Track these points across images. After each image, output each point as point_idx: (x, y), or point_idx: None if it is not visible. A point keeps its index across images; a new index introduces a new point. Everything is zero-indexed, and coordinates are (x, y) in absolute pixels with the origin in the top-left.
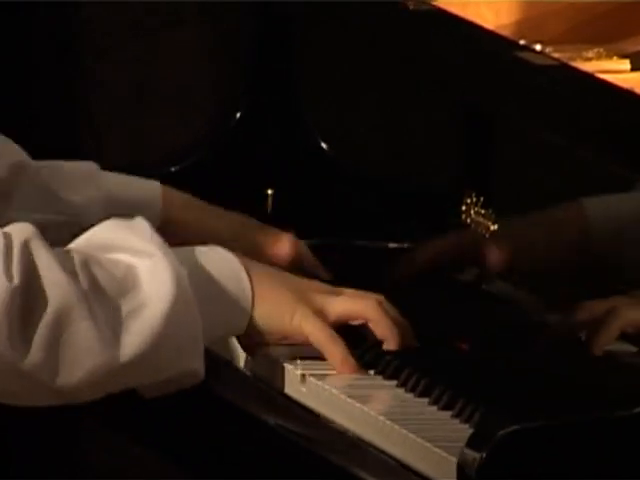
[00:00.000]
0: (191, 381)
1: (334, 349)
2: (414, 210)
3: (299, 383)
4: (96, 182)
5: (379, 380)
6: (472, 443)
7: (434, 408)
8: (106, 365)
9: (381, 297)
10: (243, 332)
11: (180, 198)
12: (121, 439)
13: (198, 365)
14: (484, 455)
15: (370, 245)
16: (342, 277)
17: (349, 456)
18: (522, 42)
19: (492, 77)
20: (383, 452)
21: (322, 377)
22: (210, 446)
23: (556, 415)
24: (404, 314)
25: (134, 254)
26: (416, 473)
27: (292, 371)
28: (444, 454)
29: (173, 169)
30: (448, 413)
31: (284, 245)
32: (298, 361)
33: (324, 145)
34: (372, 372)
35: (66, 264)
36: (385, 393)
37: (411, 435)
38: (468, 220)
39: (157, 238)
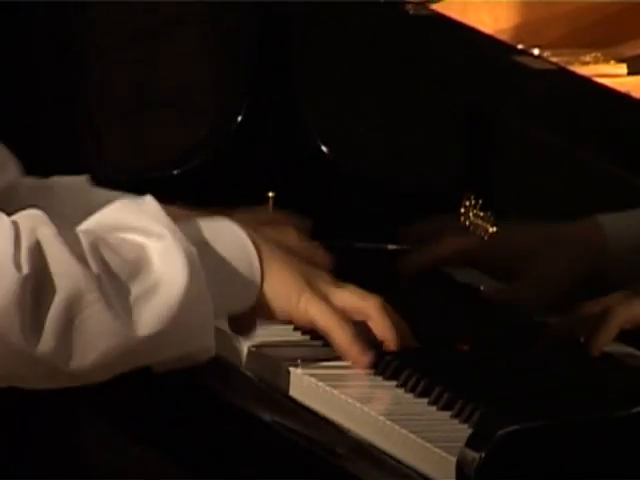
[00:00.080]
0: (203, 357)
1: (341, 333)
2: (414, 212)
3: (299, 383)
4: (85, 200)
5: (379, 380)
6: (471, 443)
7: (433, 408)
8: (120, 346)
9: (381, 299)
10: (249, 308)
11: (167, 210)
12: (121, 439)
13: (209, 341)
14: (483, 455)
15: (370, 247)
16: (342, 278)
17: (349, 456)
18: (520, 46)
19: (491, 81)
20: (383, 452)
21: (322, 377)
22: (210, 446)
23: (555, 415)
24: (404, 315)
25: (144, 234)
26: (416, 473)
27: (293, 371)
28: (444, 454)
29: (175, 172)
30: (447, 413)
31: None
32: (299, 362)
33: (324, 148)
34: (372, 373)
35: (75, 248)
36: (385, 393)
37: (411, 435)
38: (467, 222)
39: (166, 218)
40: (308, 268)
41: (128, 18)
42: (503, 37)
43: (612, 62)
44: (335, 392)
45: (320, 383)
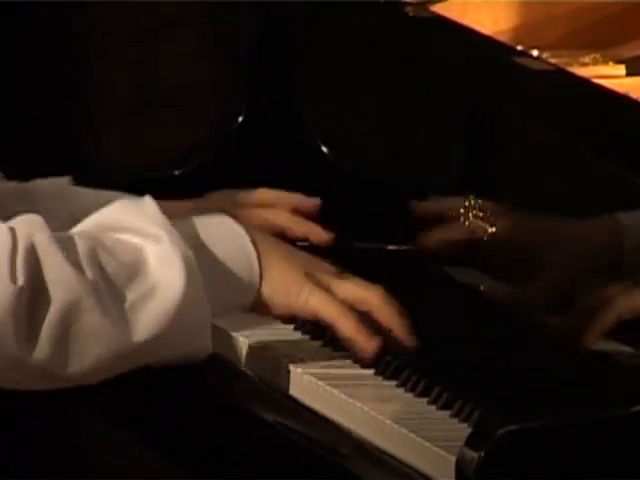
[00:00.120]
0: (200, 356)
1: (346, 321)
2: (413, 212)
3: (300, 383)
4: (66, 201)
5: (379, 380)
6: (470, 442)
7: (433, 407)
8: (117, 351)
9: (383, 290)
10: (249, 307)
11: (166, 207)
12: (121, 438)
13: (207, 342)
14: (482, 454)
15: (370, 247)
16: None
17: (349, 455)
18: (519, 48)
19: (490, 82)
20: (383, 451)
21: (323, 377)
22: (210, 446)
23: (554, 415)
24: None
25: (141, 236)
26: (416, 472)
27: (293, 371)
28: (443, 453)
29: (176, 172)
30: (447, 412)
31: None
32: (299, 361)
33: (324, 148)
34: (372, 372)
35: (71, 255)
36: (385, 393)
37: (410, 434)
38: (467, 222)
39: (164, 220)
40: (308, 259)
41: (128, 18)
42: (502, 38)
43: (611, 63)
44: (335, 391)
45: (320, 382)
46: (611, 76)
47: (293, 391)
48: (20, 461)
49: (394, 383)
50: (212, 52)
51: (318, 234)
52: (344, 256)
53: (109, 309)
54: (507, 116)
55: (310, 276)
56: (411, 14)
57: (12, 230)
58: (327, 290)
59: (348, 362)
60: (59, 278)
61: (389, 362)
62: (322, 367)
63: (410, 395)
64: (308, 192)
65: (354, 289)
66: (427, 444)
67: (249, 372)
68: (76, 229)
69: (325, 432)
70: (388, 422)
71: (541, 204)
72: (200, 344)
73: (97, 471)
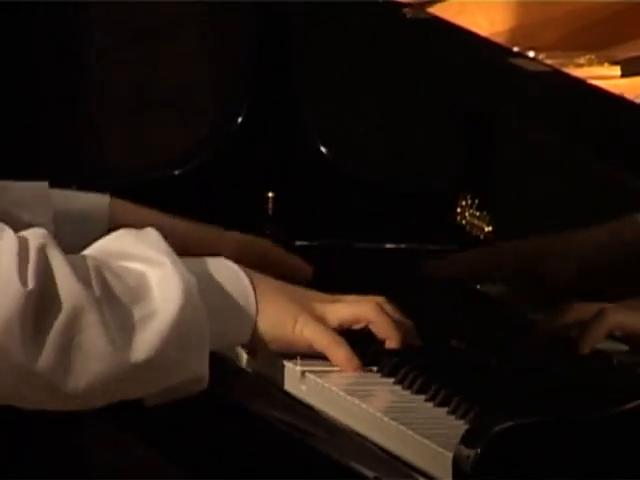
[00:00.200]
0: (195, 388)
1: (338, 351)
2: (411, 213)
3: (299, 381)
4: (46, 201)
5: (377, 378)
6: (467, 439)
7: (430, 405)
8: (115, 370)
9: (382, 298)
10: (247, 341)
11: (128, 209)
12: (124, 439)
13: (204, 371)
14: (479, 451)
15: (368, 246)
16: (342, 278)
17: (347, 452)
18: (516, 49)
19: (486, 83)
20: (381, 448)
21: (321, 374)
22: (212, 445)
23: (550, 412)
24: (402, 313)
25: (145, 263)
26: (413, 468)
27: (292, 369)
28: (440, 450)
29: (176, 172)
30: (444, 410)
31: (228, 245)
32: (298, 359)
33: (323, 149)
34: (370, 370)
35: (80, 271)
36: (383, 390)
37: (408, 431)
38: (463, 222)
39: (167, 247)
40: (301, 291)
41: (128, 18)
42: (499, 40)
43: (606, 64)
44: (334, 389)
45: (319, 380)
46: (606, 77)
47: (291, 389)
48: (23, 461)
49: (392, 380)
50: (212, 52)
51: (299, 265)
52: (344, 256)
53: (110, 327)
54: (504, 116)
55: (305, 306)
56: (409, 16)
57: (23, 239)
58: (322, 319)
59: None
60: (68, 288)
61: (387, 360)
62: (320, 365)
63: (407, 392)
64: (308, 192)
65: (347, 311)
66: (425, 441)
67: (249, 370)
68: (83, 253)
69: (324, 429)
70: (386, 419)
71: (538, 204)
72: (197, 370)
73: (100, 471)
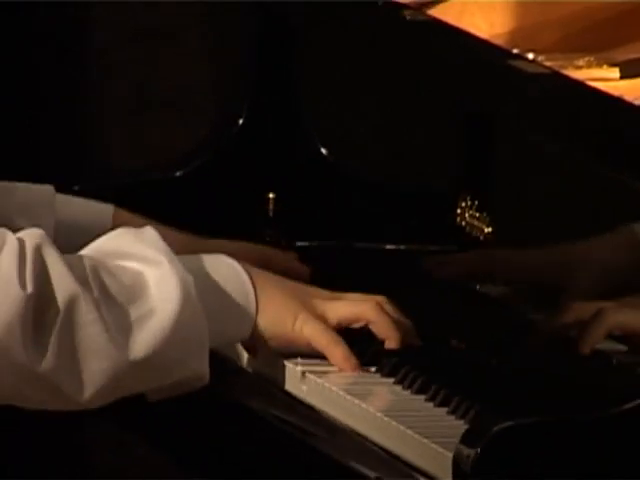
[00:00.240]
0: (196, 385)
1: (335, 350)
2: (411, 213)
3: (299, 381)
4: (49, 207)
5: (377, 378)
6: (467, 439)
7: (430, 405)
8: (115, 368)
9: (382, 298)
10: (247, 339)
11: (131, 219)
12: (125, 439)
13: (204, 369)
14: (479, 451)
15: (368, 247)
16: (342, 279)
17: (348, 452)
18: (515, 51)
19: (486, 84)
20: (381, 448)
21: (322, 374)
22: (212, 445)
23: (550, 412)
24: (402, 313)
25: (142, 262)
26: (413, 468)
27: (292, 369)
28: (440, 449)
29: (177, 173)
30: (444, 410)
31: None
32: (298, 359)
33: (324, 150)
34: (370, 370)
35: (77, 270)
36: (383, 390)
37: (408, 431)
38: (463, 223)
39: (164, 246)
40: (302, 288)
41: (128, 18)
42: (498, 42)
43: (605, 66)
44: (334, 389)
45: (319, 380)
46: (605, 79)
47: (292, 388)
48: (24, 461)
49: (392, 380)
50: (212, 52)
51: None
52: (344, 256)
53: (109, 326)
54: (503, 117)
55: (305, 304)
56: (408, 18)
57: (21, 240)
58: (322, 316)
59: None
60: (64, 289)
61: (387, 360)
62: (320, 365)
63: (408, 392)
64: (308, 193)
65: (347, 309)
66: (424, 441)
67: (250, 370)
68: (78, 253)
69: (325, 428)
70: (386, 419)
71: (537, 205)
72: (197, 367)
73: (100, 471)
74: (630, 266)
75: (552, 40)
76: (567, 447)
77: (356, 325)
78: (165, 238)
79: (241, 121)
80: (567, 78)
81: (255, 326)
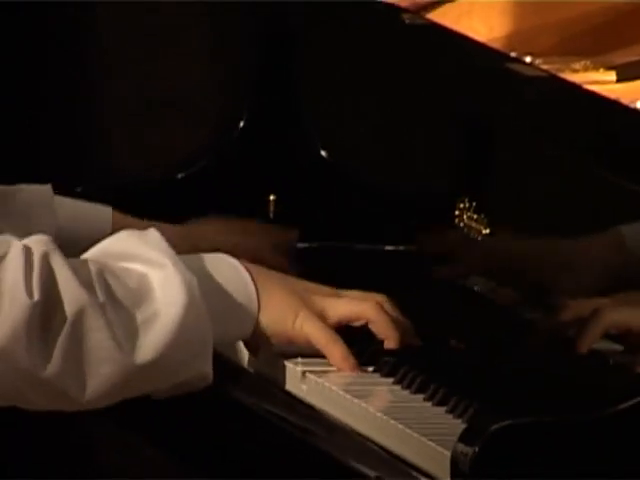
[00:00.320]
0: (200, 384)
1: (334, 349)
2: (410, 215)
3: (300, 380)
4: (49, 212)
5: (376, 378)
6: (465, 438)
7: (429, 404)
8: (122, 372)
9: (382, 297)
10: (249, 336)
11: (131, 222)
12: (128, 439)
13: (208, 368)
14: (476, 449)
15: (368, 248)
16: (342, 279)
17: (348, 451)
18: (513, 54)
19: (484, 87)
20: (381, 447)
21: (322, 374)
22: (213, 444)
23: (548, 411)
24: (401, 313)
25: (147, 264)
26: (412, 467)
27: (293, 369)
28: (439, 448)
29: (179, 176)
30: (442, 409)
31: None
32: (299, 359)
33: (324, 152)
34: (370, 370)
35: (82, 276)
36: (382, 390)
37: (407, 430)
38: (461, 224)
39: (168, 248)
40: (302, 284)
41: (128, 18)
42: (496, 45)
43: (601, 69)
44: (334, 388)
45: (319, 380)
46: (602, 82)
47: (292, 388)
48: (29, 461)
49: (391, 380)
50: (212, 52)
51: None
52: (345, 258)
53: (115, 331)
54: (501, 120)
55: (305, 300)
56: (408, 22)
57: (27, 247)
58: (322, 314)
59: None
60: (71, 295)
61: (386, 360)
62: (320, 365)
63: (407, 392)
64: (309, 195)
65: (347, 307)
66: (423, 439)
67: (251, 370)
68: (83, 257)
69: (325, 428)
70: (385, 418)
71: (534, 207)
72: (200, 369)
73: (103, 471)
74: (628, 266)
75: (549, 44)
76: (564, 446)
77: (356, 324)
78: (163, 233)
79: (242, 124)
80: (564, 81)
81: (257, 325)
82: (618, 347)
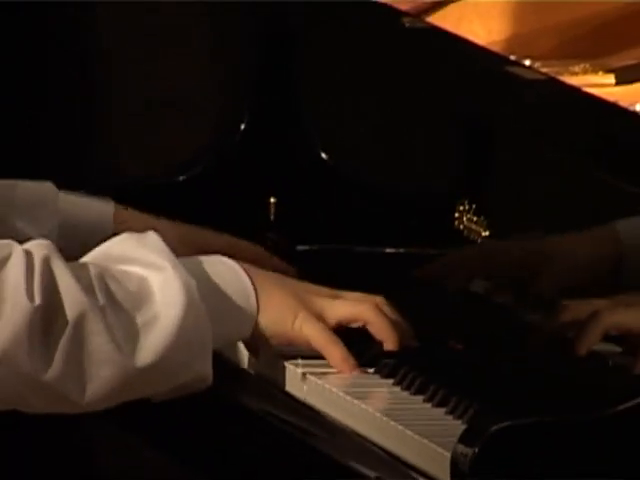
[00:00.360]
0: (200, 386)
1: (333, 350)
2: (410, 217)
3: (300, 382)
4: (50, 208)
5: (376, 379)
6: (465, 438)
7: (429, 405)
8: (122, 374)
9: (381, 299)
10: (248, 338)
11: (132, 216)
12: (128, 441)
13: (208, 370)
14: (476, 450)
15: (368, 250)
16: (342, 282)
17: (348, 452)
18: (512, 57)
19: (483, 90)
20: (381, 448)
21: (322, 376)
22: (214, 445)
23: (548, 412)
24: (400, 314)
25: (147, 267)
26: (412, 467)
27: (293, 370)
28: (439, 449)
29: (180, 178)
30: (442, 410)
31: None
32: (299, 360)
33: (324, 154)
34: (370, 371)
35: (83, 280)
36: (382, 391)
37: (407, 431)
38: (461, 227)
39: (167, 251)
40: (302, 285)
41: (128, 18)
42: (496, 48)
43: (600, 72)
44: (334, 390)
45: (320, 381)
46: (601, 85)
47: (292, 390)
48: (28, 463)
49: (391, 381)
50: (212, 52)
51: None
52: (345, 259)
53: (115, 334)
54: (500, 123)
55: (304, 302)
56: (407, 25)
57: (28, 252)
58: (321, 315)
59: None
60: (72, 299)
61: (386, 362)
62: (321, 366)
63: (406, 393)
64: (309, 197)
65: (346, 309)
66: (423, 441)
67: (251, 372)
68: (83, 260)
69: (325, 429)
70: (385, 419)
71: (534, 209)
72: (201, 370)
73: (103, 473)
74: (626, 266)
75: (548, 47)
76: (564, 447)
77: (355, 325)
78: (163, 233)
79: (242, 126)
80: (563, 84)
81: (256, 326)
82: (617, 348)
